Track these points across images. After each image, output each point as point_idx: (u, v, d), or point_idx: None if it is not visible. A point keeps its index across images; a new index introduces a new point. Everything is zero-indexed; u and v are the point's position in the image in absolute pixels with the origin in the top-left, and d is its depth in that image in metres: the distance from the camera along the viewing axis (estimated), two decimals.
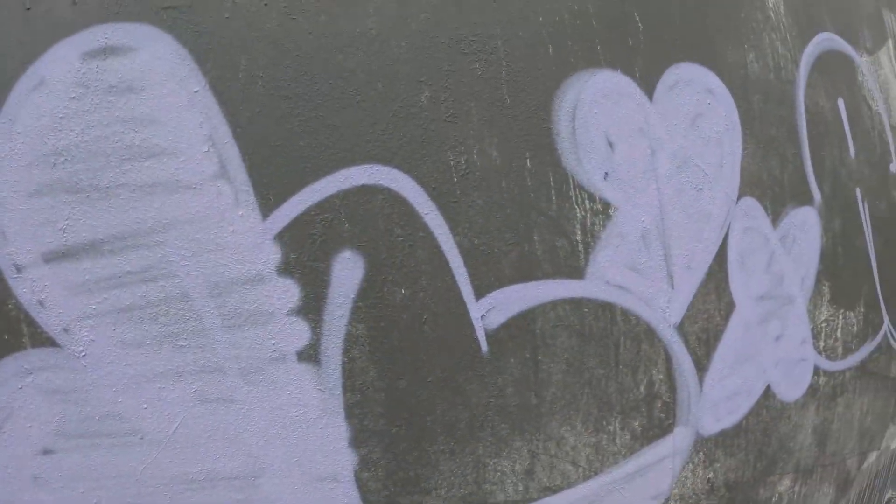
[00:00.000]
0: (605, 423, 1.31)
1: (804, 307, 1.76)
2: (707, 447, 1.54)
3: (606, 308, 1.27)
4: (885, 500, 2.63)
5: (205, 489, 1.04)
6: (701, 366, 1.45)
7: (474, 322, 1.15)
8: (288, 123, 1.04)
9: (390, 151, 1.08)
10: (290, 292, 1.03)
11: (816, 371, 1.85)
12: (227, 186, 0.99)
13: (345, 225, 1.06)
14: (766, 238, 1.60)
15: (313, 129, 1.04)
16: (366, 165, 1.06)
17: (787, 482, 1.87)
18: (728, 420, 1.56)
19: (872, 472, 2.39)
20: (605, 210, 1.26)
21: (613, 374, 1.30)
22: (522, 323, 1.19)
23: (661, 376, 1.38)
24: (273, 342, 1.03)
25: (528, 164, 1.18)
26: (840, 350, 1.96)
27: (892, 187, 2.35)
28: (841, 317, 1.95)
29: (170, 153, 0.97)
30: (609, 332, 1.29)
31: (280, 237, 1.02)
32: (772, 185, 1.67)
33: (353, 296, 1.06)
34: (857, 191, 2.07)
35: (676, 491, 1.53)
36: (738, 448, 1.64)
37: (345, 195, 1.05)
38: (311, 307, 1.04)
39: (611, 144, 1.26)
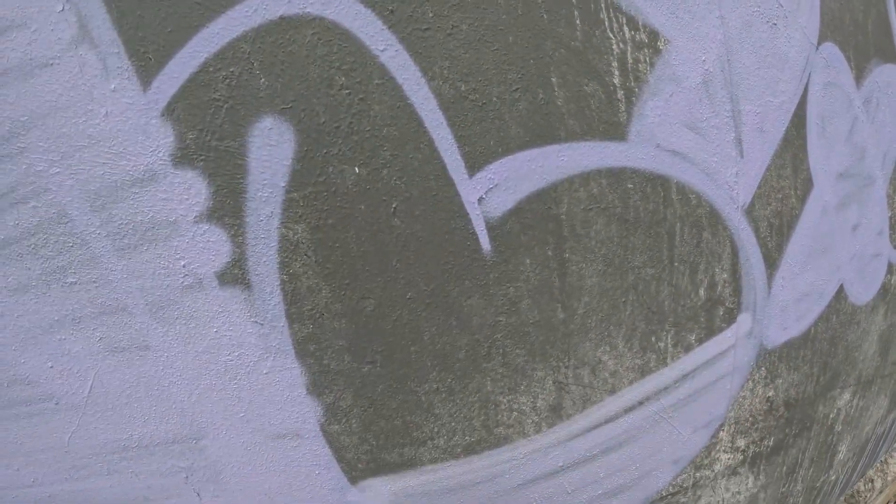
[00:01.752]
0: (653, 339, 0.91)
1: (884, 190, 1.29)
2: (770, 361, 1.14)
3: (658, 182, 0.81)
4: None
5: (141, 457, 0.66)
6: (771, 261, 1.02)
7: (468, 208, 0.71)
8: None
9: None
10: (193, 189, 0.59)
11: (890, 269, 1.41)
12: (91, 53, 0.54)
13: (260, 80, 0.60)
14: (850, 99, 1.12)
15: None
16: None
17: (846, 396, 1.47)
18: (796, 328, 1.15)
19: None
20: (652, 42, 0.78)
21: (667, 273, 0.88)
22: (540, 206, 0.74)
23: (726, 275, 0.95)
24: (182, 263, 0.61)
25: None
26: None
27: None
28: None
29: (18, 25, 0.54)
30: (661, 216, 0.84)
31: (170, 111, 0.57)
32: (855, 32, 1.17)
33: (283, 184, 0.62)
34: None
35: (732, 414, 1.14)
36: (804, 361, 1.23)
37: (256, 35, 0.58)
38: (227, 207, 0.60)
39: None
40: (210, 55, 0.58)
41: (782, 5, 0.94)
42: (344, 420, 0.73)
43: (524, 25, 0.68)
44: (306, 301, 0.67)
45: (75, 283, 0.61)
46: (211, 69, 0.58)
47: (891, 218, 1.32)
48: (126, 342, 0.63)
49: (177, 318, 0.63)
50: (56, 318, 0.62)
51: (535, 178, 0.71)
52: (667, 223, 0.83)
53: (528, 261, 0.75)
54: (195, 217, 0.61)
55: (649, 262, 0.83)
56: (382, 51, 0.63)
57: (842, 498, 1.80)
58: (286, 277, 0.66)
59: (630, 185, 0.78)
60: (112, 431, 0.66)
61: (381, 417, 0.75)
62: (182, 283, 0.62)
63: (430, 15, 0.64)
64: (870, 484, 1.93)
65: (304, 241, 0.66)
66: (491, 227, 0.72)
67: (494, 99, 0.68)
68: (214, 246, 0.62)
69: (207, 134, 0.59)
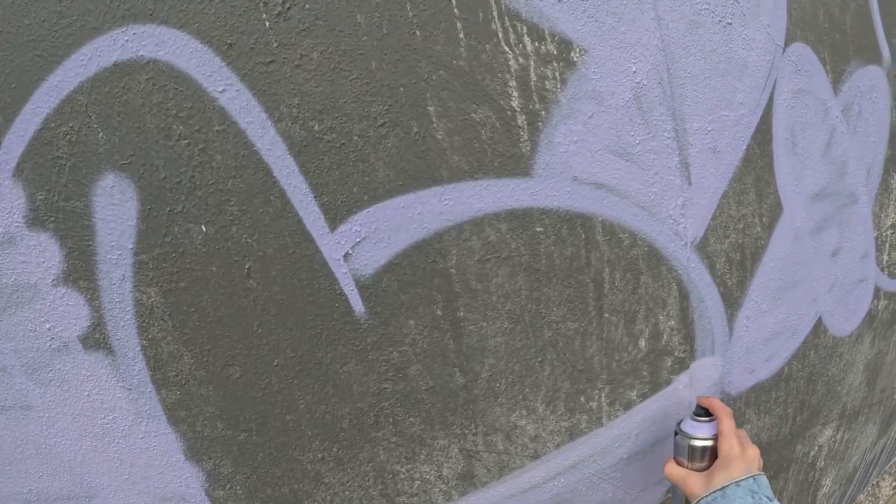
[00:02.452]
0: (582, 399, 0.75)
1: (869, 208, 1.11)
2: (735, 408, 0.98)
3: (576, 222, 0.64)
4: None
5: None
6: (731, 300, 0.86)
7: (332, 266, 0.55)
8: None
9: None
10: (48, 252, 0.55)
11: (876, 293, 1.23)
12: None
13: (98, 134, 0.50)
14: (826, 107, 0.95)
15: None
16: (117, 31, 0.48)
17: (829, 432, 1.30)
18: (765, 370, 0.99)
19: None
20: (563, 54, 0.61)
21: (594, 327, 0.71)
22: (422, 260, 0.57)
23: (673, 322, 0.78)
24: (48, 326, 0.58)
25: None
26: None
27: None
28: None
29: None
30: (584, 261, 0.67)
31: (20, 172, 0.51)
32: (831, 30, 0.99)
33: (130, 246, 0.53)
34: None
35: None
36: (776, 403, 1.07)
37: (91, 86, 0.48)
38: (80, 270, 0.54)
39: None
40: (50, 110, 0.51)
41: (738, 1, 0.77)
42: (228, 486, 0.66)
43: (390, 47, 0.53)
44: (170, 367, 0.60)
45: None
46: (52, 125, 0.50)
47: (877, 238, 1.14)
48: (10, 401, 0.60)
49: (51, 380, 0.59)
50: None
51: (412, 227, 0.56)
52: (591, 269, 0.67)
53: (412, 322, 0.60)
54: (52, 280, 0.55)
55: (570, 316, 0.67)
56: (221, 92, 0.51)
57: None
58: (146, 342, 0.60)
59: (539, 229, 0.62)
60: (13, 485, 0.64)
61: (266, 485, 0.66)
62: (50, 346, 0.58)
63: (275, 45, 0.50)
64: None
65: (158, 304, 0.58)
66: (362, 287, 0.57)
67: (356, 138, 0.53)
68: (73, 310, 0.57)
69: (54, 194, 0.52)
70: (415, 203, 0.56)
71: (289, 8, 0.51)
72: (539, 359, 0.68)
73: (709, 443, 0.69)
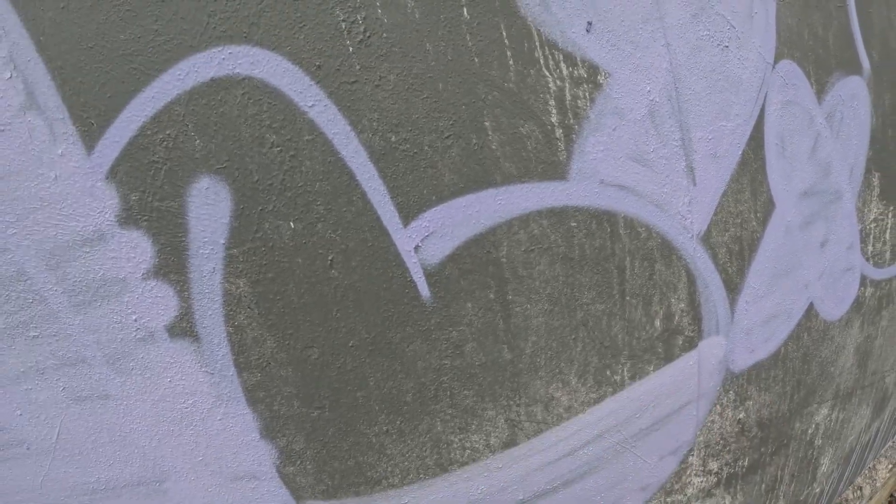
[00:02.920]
0: (609, 372, 0.88)
1: (853, 204, 1.26)
2: (738, 385, 1.11)
3: (603, 218, 0.78)
4: None
5: (109, 499, 0.72)
6: (732, 286, 0.99)
7: (404, 257, 0.68)
8: (101, 12, 0.57)
9: (246, 22, 0.59)
10: (139, 248, 0.61)
11: (863, 281, 1.37)
12: (38, 119, 0.56)
13: (195, 141, 0.59)
14: (811, 116, 1.09)
15: (135, 12, 0.57)
16: (213, 50, 0.58)
17: (824, 411, 1.44)
18: (764, 350, 1.12)
19: None
20: (591, 77, 0.75)
21: (618, 308, 0.85)
22: (479, 251, 0.71)
23: (683, 305, 0.92)
24: (134, 317, 0.64)
25: (466, 13, 0.66)
26: (888, 255, 1.46)
27: None
28: (891, 215, 1.44)
29: None
30: (609, 251, 0.81)
31: (114, 174, 0.58)
32: (814, 47, 1.13)
33: (222, 241, 0.62)
34: None
35: (701, 438, 1.11)
36: (775, 381, 1.20)
37: (189, 98, 0.58)
38: (172, 264, 0.61)
39: None
40: (147, 119, 0.58)
41: (734, 27, 0.91)
42: (298, 462, 0.74)
43: (454, 71, 0.66)
44: (253, 351, 0.68)
45: (37, 336, 0.63)
46: (149, 132, 0.58)
47: (862, 231, 1.28)
48: (87, 391, 0.66)
49: (133, 368, 0.65)
50: (22, 370, 0.64)
51: (471, 223, 0.69)
52: (615, 258, 0.80)
53: (469, 305, 0.72)
54: (143, 274, 0.62)
55: (598, 298, 0.80)
56: (311, 106, 0.62)
57: None
58: (232, 329, 0.67)
59: (573, 224, 0.75)
60: (81, 475, 0.68)
61: (334, 458, 0.75)
62: (135, 336, 0.64)
63: (357, 67, 0.63)
64: (858, 491, 1.90)
65: (246, 294, 0.66)
66: (429, 274, 0.70)
67: (426, 147, 0.66)
68: (162, 301, 0.64)
69: (149, 195, 0.60)
70: (474, 203, 0.68)
71: (369, 36, 0.63)
72: (573, 336, 0.80)
73: None
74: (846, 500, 1.84)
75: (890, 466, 2.03)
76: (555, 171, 0.72)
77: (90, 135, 0.57)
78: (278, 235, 0.65)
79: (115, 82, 0.56)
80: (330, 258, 0.67)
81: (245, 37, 0.59)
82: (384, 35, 0.63)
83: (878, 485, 1.96)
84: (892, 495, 2.22)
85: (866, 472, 1.95)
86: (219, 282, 0.64)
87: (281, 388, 0.70)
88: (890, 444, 2.04)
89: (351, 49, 0.63)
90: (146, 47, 0.57)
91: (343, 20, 0.62)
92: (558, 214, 0.74)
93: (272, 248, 0.65)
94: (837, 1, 1.18)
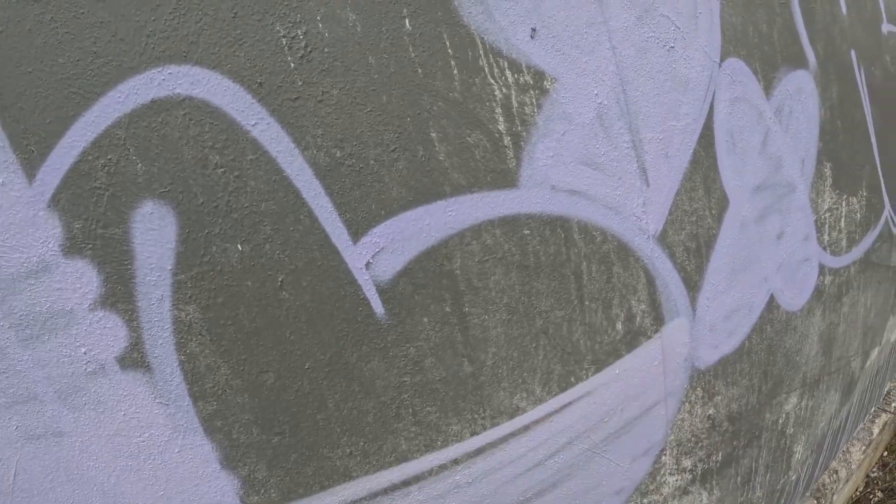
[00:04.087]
0: (573, 378, 0.91)
1: (806, 195, 1.33)
2: (705, 381, 1.16)
3: (557, 224, 0.81)
4: (885, 392, 2.33)
5: None
6: (692, 283, 1.04)
7: (356, 274, 0.69)
8: (40, 36, 0.57)
9: (186, 41, 0.59)
10: (85, 278, 0.61)
11: (821, 270, 1.45)
12: None
13: (137, 165, 0.60)
14: (760, 111, 1.15)
15: (74, 34, 0.57)
16: (152, 70, 0.58)
17: (794, 399, 1.51)
18: (728, 344, 1.17)
19: (874, 370, 2.06)
20: (537, 83, 0.78)
21: (578, 313, 0.88)
22: (432, 264, 0.72)
23: (643, 306, 0.95)
24: (84, 350, 0.64)
25: (408, 24, 0.68)
26: (844, 242, 1.55)
27: (885, 51, 1.89)
28: (845, 204, 1.53)
29: None
30: (564, 257, 0.84)
31: (56, 202, 0.58)
32: (760, 44, 1.20)
33: (169, 267, 0.63)
34: (852, 53, 1.60)
35: (673, 437, 1.15)
36: (742, 374, 1.26)
37: (129, 121, 0.58)
38: (119, 293, 0.62)
39: None
40: (88, 144, 0.58)
41: (679, 27, 0.96)
42: (262, 491, 0.74)
43: (398, 83, 0.67)
44: (207, 379, 0.68)
45: None
46: (90, 157, 0.58)
47: (817, 221, 1.36)
48: (41, 429, 0.65)
49: (85, 403, 0.64)
50: None
51: (422, 236, 0.70)
52: (571, 264, 0.83)
53: (425, 319, 0.74)
54: (90, 305, 0.62)
55: (557, 305, 0.83)
56: (254, 125, 0.63)
57: (808, 493, 1.85)
58: (184, 357, 0.68)
59: (526, 231, 0.77)
60: None
61: (298, 486, 0.76)
62: (85, 369, 0.64)
63: (299, 83, 0.63)
64: (834, 475, 1.99)
65: (196, 321, 0.67)
66: (382, 291, 0.71)
67: (372, 162, 0.67)
68: (111, 332, 0.63)
69: (92, 222, 0.60)
70: (424, 215, 0.70)
71: (311, 51, 0.64)
72: (534, 345, 0.82)
73: None
74: (823, 485, 1.93)
75: (863, 448, 2.14)
76: (504, 179, 0.74)
77: (30, 163, 0.57)
78: (226, 258, 0.65)
79: (54, 107, 0.56)
80: (280, 279, 0.68)
81: (185, 56, 0.60)
82: (325, 50, 0.64)
83: (853, 467, 2.07)
84: (867, 476, 2.34)
85: (840, 455, 2.05)
86: (168, 309, 0.65)
87: (238, 416, 0.71)
88: (861, 425, 2.15)
89: (292, 65, 0.64)
90: (85, 70, 0.58)
91: (283, 36, 0.63)
92: (510, 223, 0.76)
93: (220, 272, 0.65)
94: None
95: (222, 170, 0.63)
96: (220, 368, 0.68)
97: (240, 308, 0.67)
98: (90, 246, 0.60)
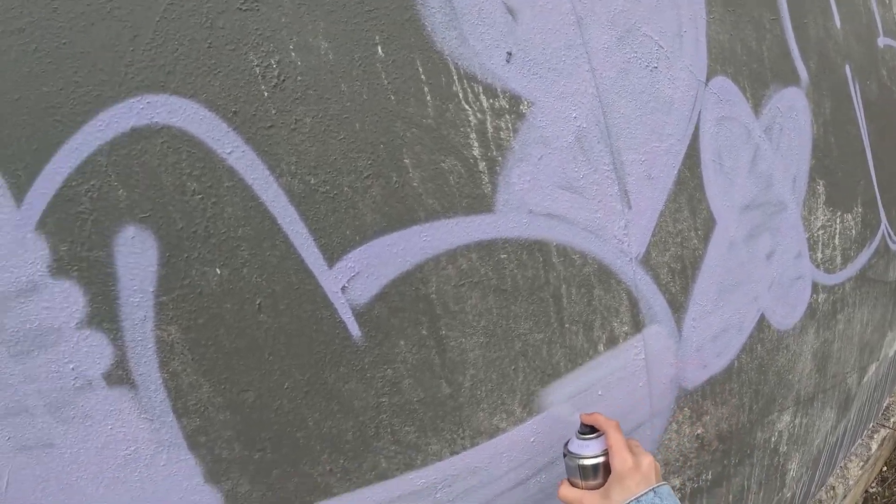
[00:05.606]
0: (553, 399, 0.90)
1: (798, 213, 1.32)
2: (693, 401, 1.15)
3: (534, 248, 0.80)
4: (884, 407, 2.29)
5: None
6: (677, 305, 1.03)
7: (332, 298, 0.69)
8: (25, 65, 0.59)
9: (163, 71, 0.60)
10: (72, 298, 0.64)
11: (815, 288, 1.43)
12: None
13: (119, 191, 0.62)
14: (748, 129, 1.14)
15: (56, 64, 0.59)
16: (132, 100, 0.60)
17: (786, 418, 1.49)
18: (716, 364, 1.16)
19: (872, 385, 2.03)
20: (513, 107, 0.77)
21: (558, 336, 0.87)
22: (407, 288, 0.72)
23: (626, 328, 0.95)
24: (72, 366, 0.67)
25: (381, 51, 0.68)
26: (839, 260, 1.53)
27: (882, 65, 1.87)
28: (839, 221, 1.51)
29: None
30: (543, 280, 0.83)
31: (43, 226, 0.61)
32: (749, 61, 1.19)
33: (151, 289, 0.64)
34: (847, 68, 1.59)
35: (660, 457, 1.14)
36: (731, 393, 1.24)
37: (110, 148, 0.60)
38: (104, 313, 0.64)
39: (511, 10, 0.78)
40: (72, 170, 0.60)
41: (662, 47, 0.96)
42: None
43: (370, 110, 0.68)
44: (189, 396, 0.70)
45: None
46: (74, 183, 0.60)
47: (809, 239, 1.34)
48: (32, 441, 0.67)
49: (74, 417, 0.66)
50: None
51: (397, 261, 0.70)
52: (550, 287, 0.82)
53: (402, 342, 0.73)
54: (76, 323, 0.64)
55: (536, 328, 0.82)
56: (229, 153, 0.64)
57: None
58: (167, 375, 0.69)
59: (503, 255, 0.77)
60: None
61: (281, 501, 0.76)
62: (74, 384, 0.66)
63: (273, 112, 0.64)
64: (832, 491, 1.96)
65: (178, 340, 0.69)
66: (358, 314, 0.71)
67: (346, 188, 0.67)
68: (97, 349, 0.65)
69: (77, 245, 0.62)
70: (398, 241, 0.70)
71: (284, 80, 0.65)
72: (513, 367, 0.82)
73: (599, 459, 0.69)
74: (820, 502, 1.90)
75: (861, 464, 2.11)
76: (480, 204, 0.74)
77: (18, 187, 0.59)
78: (206, 282, 0.66)
79: (40, 134, 0.58)
80: (258, 302, 0.69)
81: (162, 85, 0.61)
82: (298, 78, 0.65)
83: (850, 483, 2.03)
84: (866, 491, 2.29)
85: (838, 471, 2.02)
86: (151, 329, 0.66)
87: (221, 432, 0.72)
88: (860, 441, 2.12)
89: (266, 94, 0.64)
90: (68, 99, 0.59)
91: (257, 65, 0.64)
92: (487, 247, 0.76)
93: (201, 295, 0.67)
94: (771, 14, 1.25)
95: (200, 196, 0.64)
96: (202, 386, 0.69)
97: (220, 329, 0.68)
98: (76, 267, 0.62)
